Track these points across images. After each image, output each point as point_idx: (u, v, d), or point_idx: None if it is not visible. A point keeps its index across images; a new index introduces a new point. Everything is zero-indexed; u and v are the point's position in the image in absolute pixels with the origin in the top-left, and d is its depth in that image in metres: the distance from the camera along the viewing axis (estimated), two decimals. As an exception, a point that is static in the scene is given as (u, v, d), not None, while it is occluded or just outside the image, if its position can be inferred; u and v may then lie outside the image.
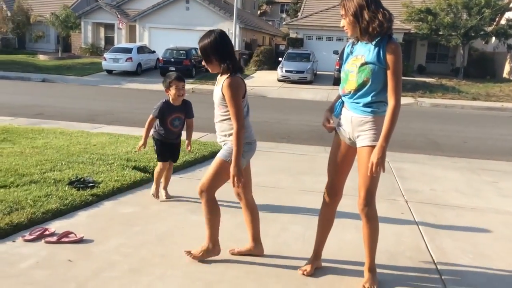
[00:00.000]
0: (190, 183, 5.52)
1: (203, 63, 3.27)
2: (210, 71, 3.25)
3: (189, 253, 3.35)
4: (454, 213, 4.85)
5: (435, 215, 4.74)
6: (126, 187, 4.95)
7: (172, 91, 4.51)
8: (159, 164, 4.76)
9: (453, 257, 3.66)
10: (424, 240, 3.99)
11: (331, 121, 3.18)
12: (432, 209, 4.93)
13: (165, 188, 4.86)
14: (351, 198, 4.86)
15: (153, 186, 4.78)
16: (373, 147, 2.93)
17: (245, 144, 3.18)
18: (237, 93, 3.10)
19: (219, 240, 3.35)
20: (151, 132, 4.71)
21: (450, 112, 15.94)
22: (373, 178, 2.99)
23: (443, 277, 3.26)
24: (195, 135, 8.52)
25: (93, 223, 3.73)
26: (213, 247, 3.35)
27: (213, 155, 6.94)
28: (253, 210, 3.45)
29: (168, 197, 4.82)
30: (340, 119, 3.16)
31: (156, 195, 4.75)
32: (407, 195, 5.44)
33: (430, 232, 4.20)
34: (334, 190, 3.22)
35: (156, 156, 4.83)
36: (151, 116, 4.59)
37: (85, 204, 4.29)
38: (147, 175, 5.48)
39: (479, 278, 3.30)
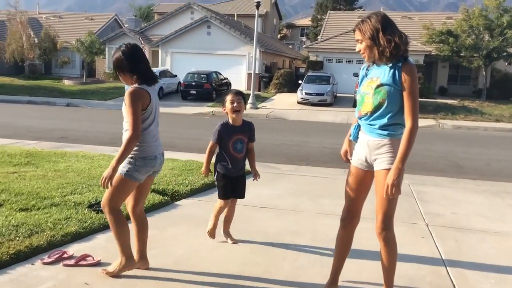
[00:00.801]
0: (208, 206, 5.53)
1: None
2: (124, 82, 3.32)
3: (104, 270, 3.37)
4: (476, 237, 4.73)
5: (456, 239, 4.63)
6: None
7: (228, 105, 4.02)
8: (220, 201, 4.19)
9: (474, 282, 3.56)
10: (445, 265, 3.90)
11: (349, 156, 3.25)
12: (454, 233, 4.82)
13: (225, 231, 4.30)
14: (369, 222, 4.81)
15: (210, 222, 4.24)
16: (390, 170, 2.91)
17: (139, 159, 3.22)
18: (135, 102, 3.14)
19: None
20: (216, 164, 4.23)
21: (473, 134, 15.69)
22: (390, 201, 2.96)
23: (464, 304, 3.17)
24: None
25: (111, 247, 3.75)
26: (127, 261, 3.33)
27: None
28: (141, 223, 3.50)
29: (233, 241, 4.23)
30: (356, 143, 3.17)
31: (212, 234, 4.23)
32: (427, 218, 5.35)
33: (451, 257, 4.10)
34: (351, 214, 3.20)
35: (218, 192, 4.25)
36: (210, 143, 4.13)
37: (104, 227, 4.32)
38: (165, 198, 5.52)
39: (502, 305, 3.20)
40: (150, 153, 3.27)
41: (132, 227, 3.48)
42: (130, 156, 3.19)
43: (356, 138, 3.18)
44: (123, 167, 3.21)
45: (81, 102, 21.60)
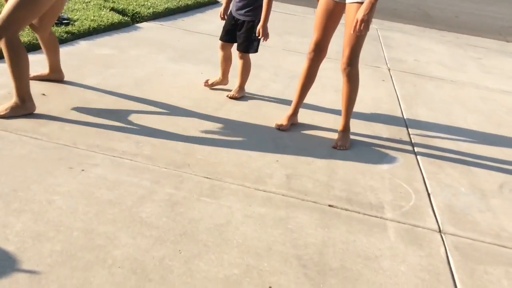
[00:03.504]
0: (172, 32, 5.31)
1: None
2: None
3: None
4: (434, 84, 4.86)
5: (415, 84, 4.75)
6: (103, 28, 4.72)
7: None
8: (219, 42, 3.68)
9: (426, 124, 3.74)
10: (401, 107, 4.04)
11: None
12: (413, 79, 4.92)
13: (223, 77, 3.77)
14: (334, 62, 4.79)
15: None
16: (362, 3, 2.78)
17: None
18: None
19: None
20: None
21: (448, -15, 15.28)
22: (358, 38, 2.90)
23: (413, 141, 3.36)
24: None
25: (67, 61, 3.60)
26: (22, 103, 2.78)
27: (196, 5, 6.63)
28: (48, 45, 3.25)
29: (234, 96, 3.64)
30: None
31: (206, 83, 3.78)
32: (390, 63, 5.40)
33: (407, 100, 4.24)
34: (319, 47, 3.13)
35: None
36: None
37: (60, 41, 4.07)
38: (126, 18, 5.22)
39: (446, 143, 3.41)
40: None
41: (42, 48, 3.24)
42: None
43: None
44: None
45: None
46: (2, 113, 2.72)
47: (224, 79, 3.77)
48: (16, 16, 2.65)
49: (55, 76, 3.37)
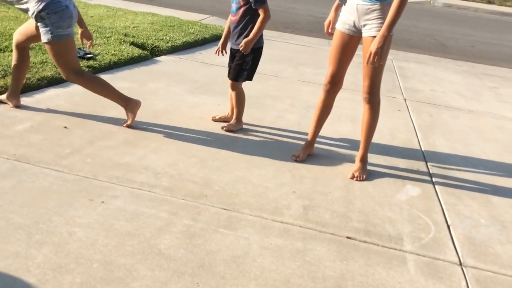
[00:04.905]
0: (190, 65, 5.43)
1: None
2: None
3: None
4: (450, 114, 4.85)
5: (431, 114, 4.74)
6: (124, 62, 4.85)
7: None
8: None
9: (443, 154, 3.72)
10: (417, 137, 4.03)
11: (331, 29, 3.20)
12: (430, 109, 4.92)
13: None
14: (350, 92, 4.85)
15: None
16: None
17: (51, 15, 3.04)
18: None
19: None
20: None
21: (462, 14, 15.36)
22: (376, 69, 2.94)
23: (431, 172, 3.34)
24: (196, 17, 8.24)
25: (89, 94, 3.68)
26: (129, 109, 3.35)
27: (214, 38, 6.78)
28: (23, 59, 3.36)
29: (229, 129, 3.59)
30: (344, 6, 3.04)
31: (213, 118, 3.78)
32: (406, 93, 5.41)
33: (424, 130, 4.23)
34: (334, 79, 3.17)
35: None
36: None
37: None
38: (145, 52, 5.36)
39: (464, 174, 3.38)
40: (58, 5, 3.04)
41: (13, 60, 3.37)
42: (42, 18, 3.04)
43: (344, 1, 3.04)
44: (46, 35, 3.08)
45: None
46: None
47: (232, 115, 3.71)
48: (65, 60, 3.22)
49: (14, 101, 3.39)
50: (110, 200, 2.40)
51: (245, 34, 3.37)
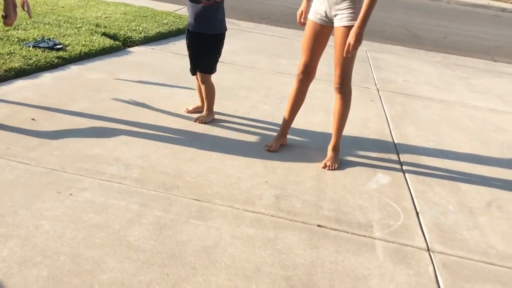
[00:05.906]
0: (163, 56, 5.36)
1: None
2: None
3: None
4: (422, 104, 4.92)
5: (404, 104, 4.80)
6: (94, 53, 4.76)
7: None
8: None
9: (414, 143, 3.77)
10: (389, 127, 4.07)
11: (303, 19, 3.24)
12: (402, 99, 4.98)
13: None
14: (323, 83, 4.86)
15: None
16: (350, 27, 2.87)
17: None
18: None
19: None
20: None
21: (435, 6, 15.55)
22: (347, 59, 2.96)
23: (401, 160, 3.38)
24: (170, 7, 8.14)
25: (58, 86, 3.63)
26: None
27: (187, 28, 6.70)
28: None
29: (201, 120, 3.55)
30: None
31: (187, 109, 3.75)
32: (379, 84, 5.46)
33: (396, 120, 4.28)
34: (307, 69, 3.18)
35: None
36: None
37: (51, 66, 4.13)
38: (117, 43, 5.27)
39: (435, 162, 3.44)
40: None
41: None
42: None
43: None
44: None
45: None
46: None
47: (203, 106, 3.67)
48: None
49: None
50: (78, 193, 2.37)
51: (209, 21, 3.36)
